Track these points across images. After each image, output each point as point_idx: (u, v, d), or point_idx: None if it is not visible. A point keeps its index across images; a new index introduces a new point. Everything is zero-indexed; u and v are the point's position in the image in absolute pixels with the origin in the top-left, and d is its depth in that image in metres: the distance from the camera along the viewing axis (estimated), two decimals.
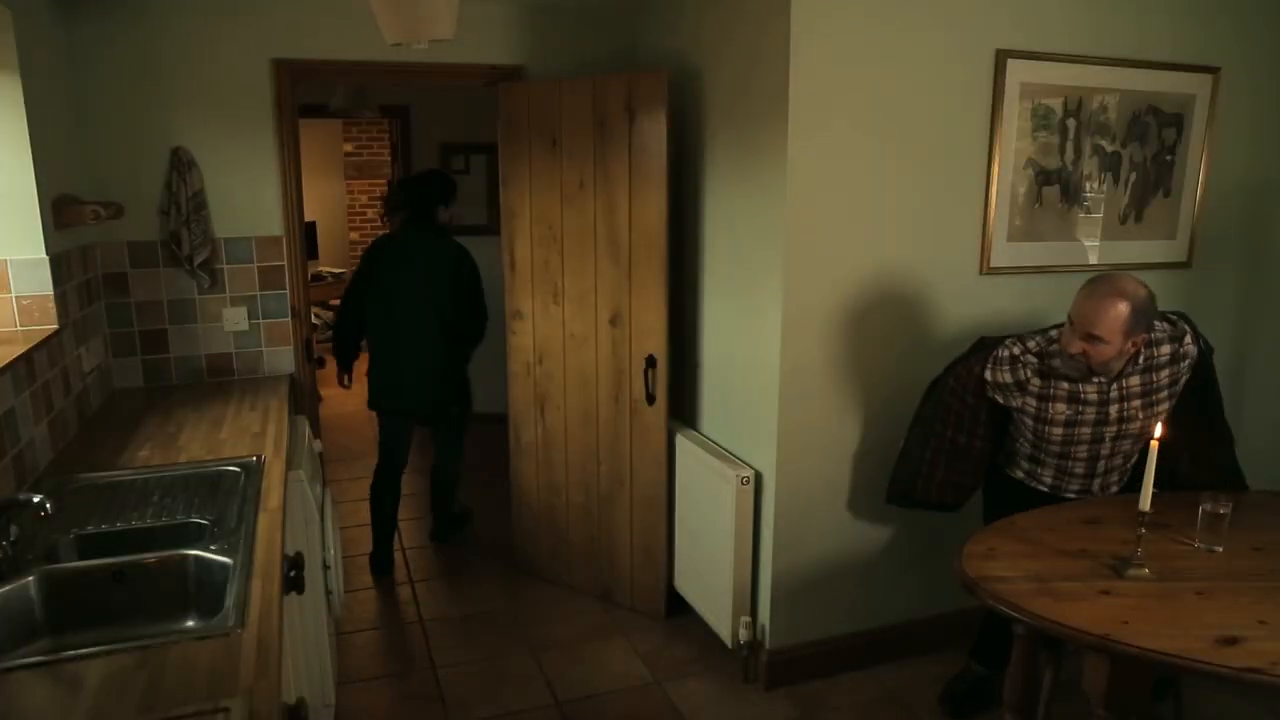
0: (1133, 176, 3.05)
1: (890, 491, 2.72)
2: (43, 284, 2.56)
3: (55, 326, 2.57)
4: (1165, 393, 2.40)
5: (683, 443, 3.23)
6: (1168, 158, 3.09)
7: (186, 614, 1.84)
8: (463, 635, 3.31)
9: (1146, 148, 3.04)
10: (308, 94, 4.81)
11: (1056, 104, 2.87)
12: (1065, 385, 2.36)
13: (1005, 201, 2.87)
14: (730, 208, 2.96)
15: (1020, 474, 2.58)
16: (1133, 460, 2.53)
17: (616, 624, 3.37)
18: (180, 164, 3.16)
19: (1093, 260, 3.05)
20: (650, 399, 3.23)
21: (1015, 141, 2.84)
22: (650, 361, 3.20)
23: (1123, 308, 2.19)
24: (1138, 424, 2.39)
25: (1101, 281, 2.25)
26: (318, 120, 7.46)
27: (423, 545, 4.14)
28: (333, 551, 2.73)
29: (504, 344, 3.67)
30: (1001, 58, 2.74)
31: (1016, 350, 2.42)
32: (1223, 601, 1.92)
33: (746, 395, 2.94)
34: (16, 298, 2.54)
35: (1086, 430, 2.40)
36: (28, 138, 2.47)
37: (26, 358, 2.29)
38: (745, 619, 2.96)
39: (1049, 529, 2.28)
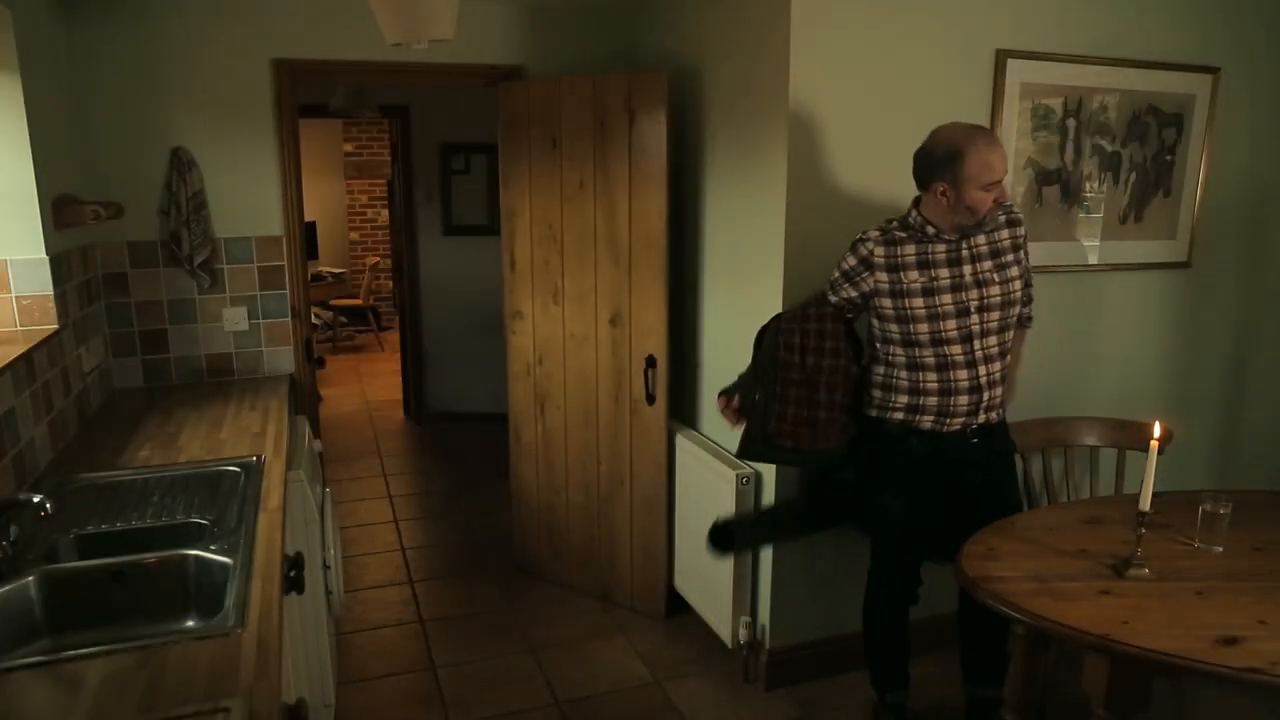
0: (1133, 176, 3.05)
1: (741, 446, 2.56)
2: (43, 284, 2.56)
3: (55, 326, 2.57)
4: (1010, 256, 2.40)
5: (683, 443, 3.23)
6: (1168, 158, 3.09)
7: (186, 614, 1.84)
8: (463, 635, 3.31)
9: (1146, 148, 3.04)
10: (308, 94, 4.81)
11: (1056, 104, 2.87)
12: (911, 250, 2.33)
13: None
14: (730, 207, 2.97)
15: (899, 414, 2.42)
16: (1004, 359, 2.44)
17: (616, 624, 3.38)
18: (180, 164, 3.16)
19: (1093, 260, 3.05)
20: (650, 399, 3.23)
21: (1015, 141, 2.84)
22: (650, 361, 3.20)
23: None
24: (996, 290, 2.35)
25: (980, 129, 2.28)
26: (318, 120, 7.45)
27: (423, 545, 4.14)
28: (333, 551, 2.73)
29: (504, 344, 3.66)
30: (1001, 58, 2.74)
31: (856, 238, 2.41)
32: (1223, 601, 1.92)
33: None
34: (16, 298, 2.54)
35: (948, 300, 2.32)
36: (28, 138, 2.48)
37: (26, 358, 2.29)
38: (745, 619, 2.96)
39: (1049, 529, 2.28)
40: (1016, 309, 2.43)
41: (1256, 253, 3.31)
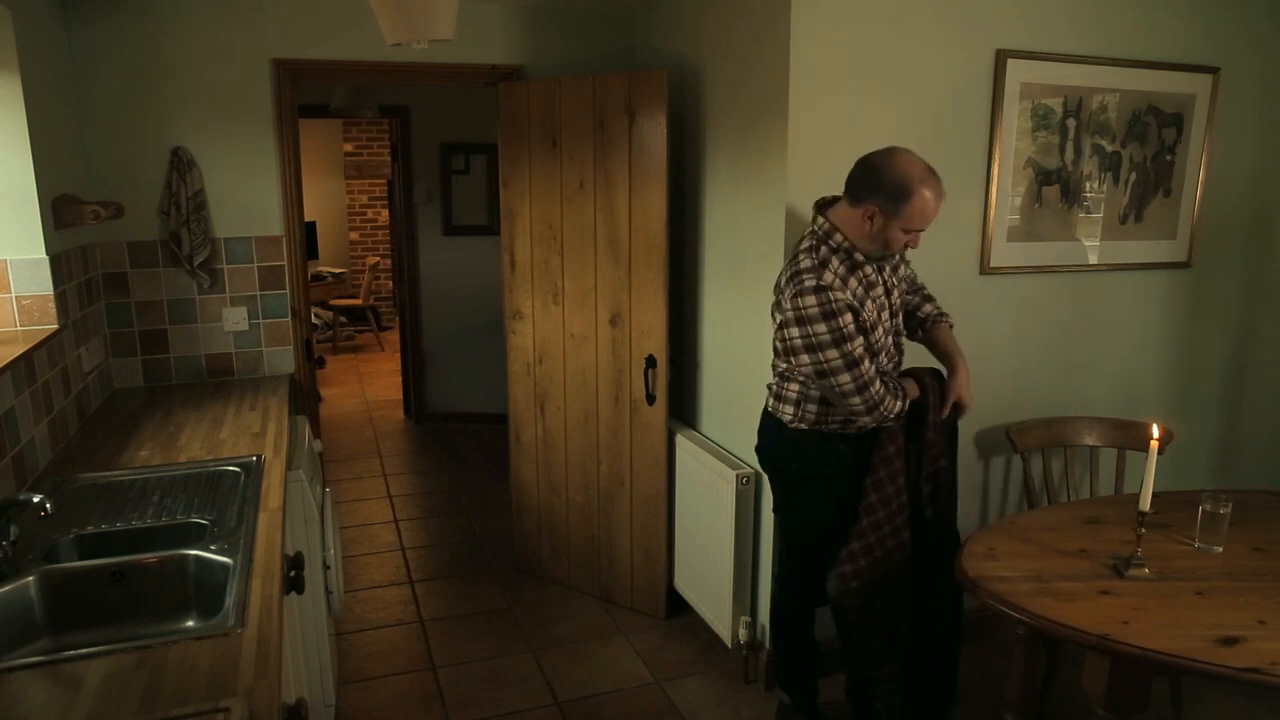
0: (1133, 176, 3.05)
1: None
2: (43, 284, 2.56)
3: (55, 326, 2.57)
4: (906, 285, 2.45)
5: (682, 443, 3.23)
6: (1168, 158, 3.09)
7: (186, 614, 1.84)
8: (463, 635, 3.31)
9: (1146, 148, 3.04)
10: (308, 94, 4.81)
11: (1056, 104, 2.87)
12: (855, 282, 2.22)
13: (1005, 201, 2.87)
14: (730, 207, 2.97)
15: (806, 423, 2.35)
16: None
17: (616, 624, 3.38)
18: (180, 164, 3.16)
19: (1093, 260, 3.05)
20: (650, 399, 3.23)
21: (1015, 141, 2.84)
22: (650, 361, 3.20)
23: None
24: (897, 299, 2.37)
25: (934, 176, 2.15)
26: (318, 120, 7.46)
27: (423, 545, 4.14)
28: (333, 551, 2.73)
29: (504, 344, 3.67)
30: (1001, 58, 2.75)
31: (808, 274, 2.17)
32: (1223, 601, 1.92)
33: (746, 395, 2.94)
34: (16, 298, 2.54)
35: (886, 320, 2.30)
36: (28, 138, 2.47)
37: (26, 358, 2.29)
38: (745, 619, 2.96)
39: (1049, 529, 2.28)
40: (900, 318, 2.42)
41: (1257, 253, 3.31)
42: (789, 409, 2.39)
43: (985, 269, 2.89)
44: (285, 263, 3.39)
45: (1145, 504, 2.00)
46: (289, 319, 3.44)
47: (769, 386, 2.49)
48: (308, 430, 3.08)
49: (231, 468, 2.36)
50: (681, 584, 3.36)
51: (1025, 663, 2.18)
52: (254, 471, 2.32)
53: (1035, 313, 2.98)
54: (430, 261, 5.91)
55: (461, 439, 5.72)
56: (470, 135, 5.73)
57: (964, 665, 3.07)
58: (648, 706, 2.86)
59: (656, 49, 3.48)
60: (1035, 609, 1.89)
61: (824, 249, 2.23)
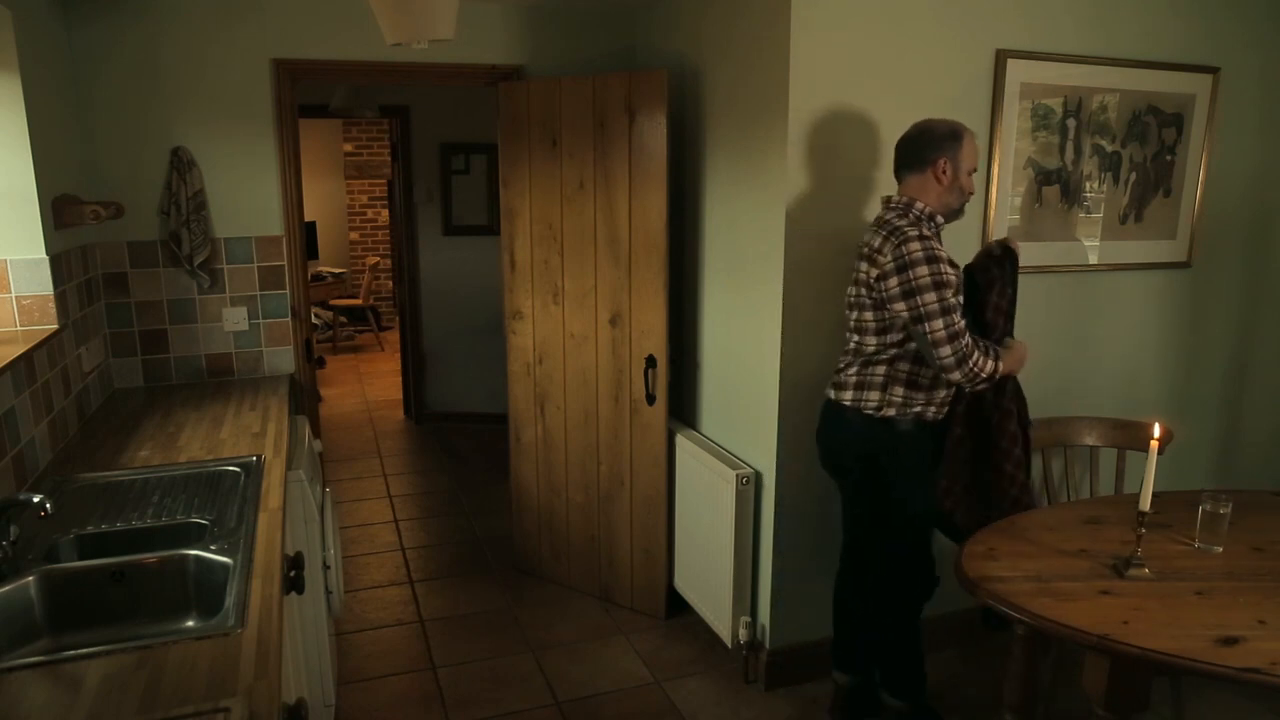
0: (1133, 176, 3.05)
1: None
2: (43, 284, 2.56)
3: (55, 326, 2.57)
4: None
5: (682, 443, 3.23)
6: (1168, 158, 3.09)
7: (186, 614, 1.84)
8: (463, 635, 3.31)
9: (1146, 148, 3.04)
10: (308, 94, 4.81)
11: (1056, 104, 2.87)
12: (942, 245, 2.31)
13: (1005, 201, 2.87)
14: (730, 207, 2.97)
15: (914, 410, 2.40)
16: None
17: (616, 624, 3.38)
18: (180, 164, 3.16)
19: (1093, 260, 3.05)
20: (650, 399, 3.23)
21: (1015, 141, 2.84)
22: (650, 361, 3.20)
23: None
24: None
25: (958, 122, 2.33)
26: (318, 120, 7.46)
27: (423, 545, 4.14)
28: (333, 551, 2.73)
29: (504, 344, 3.67)
30: (1001, 58, 2.75)
31: (909, 227, 2.26)
32: (1223, 601, 1.92)
33: (746, 395, 2.94)
34: (16, 298, 2.54)
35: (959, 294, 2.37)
36: (28, 138, 2.47)
37: (26, 358, 2.29)
38: (745, 619, 2.96)
39: (1049, 529, 2.28)
40: None
41: (1257, 253, 3.31)
42: (874, 395, 2.40)
43: None
44: (285, 263, 3.39)
45: (1145, 504, 2.00)
46: (289, 319, 3.44)
47: (839, 376, 2.48)
48: (308, 430, 3.08)
49: (231, 468, 2.36)
50: (681, 584, 3.36)
51: (1025, 663, 2.18)
52: (254, 471, 2.32)
53: (1035, 313, 2.98)
54: (430, 261, 5.91)
55: (461, 439, 5.72)
56: (470, 135, 5.73)
57: (964, 666, 3.08)
58: (648, 706, 2.86)
59: (656, 49, 3.48)
60: (1035, 609, 1.88)
61: (911, 215, 2.32)
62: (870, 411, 2.41)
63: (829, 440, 2.57)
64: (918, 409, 2.39)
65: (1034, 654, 2.19)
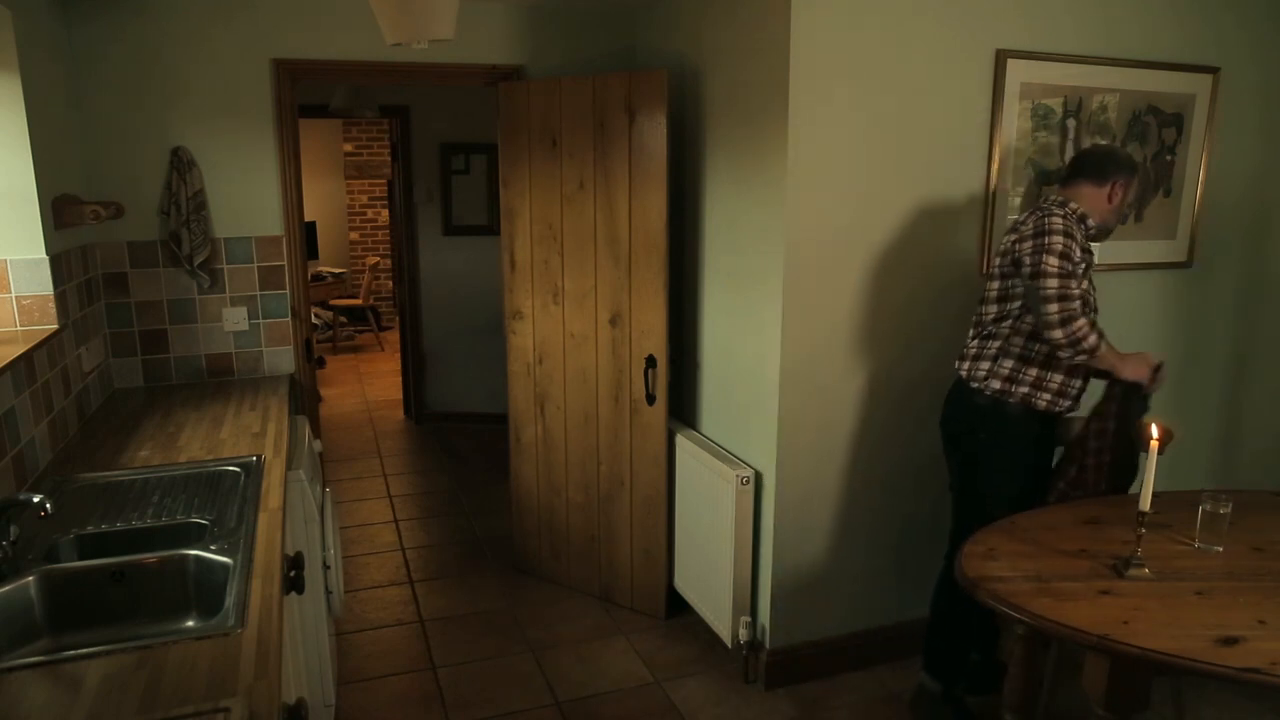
0: None
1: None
2: (43, 284, 2.56)
3: (55, 326, 2.57)
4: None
5: (683, 443, 3.23)
6: (1168, 158, 3.09)
7: (186, 614, 1.84)
8: (463, 635, 3.31)
9: (1146, 148, 3.04)
10: (308, 94, 4.81)
11: (1056, 104, 2.87)
12: (1082, 235, 2.44)
13: (1005, 201, 2.87)
14: (730, 207, 2.97)
15: (1022, 390, 2.48)
16: None
17: (616, 624, 3.38)
18: (180, 164, 3.16)
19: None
20: (650, 399, 3.23)
21: (1015, 141, 2.84)
22: (650, 361, 3.20)
23: None
24: (1094, 298, 2.55)
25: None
26: (318, 120, 7.46)
27: (423, 545, 4.14)
28: (333, 551, 2.73)
29: (504, 344, 3.67)
30: (1001, 58, 2.74)
31: (1057, 209, 2.41)
32: (1223, 601, 1.92)
33: (746, 395, 2.94)
34: (16, 298, 2.54)
35: (1086, 288, 2.45)
36: (28, 138, 2.47)
37: (26, 358, 2.29)
38: (745, 619, 2.96)
39: (1049, 529, 2.28)
40: None
41: (1257, 252, 3.31)
42: (984, 365, 2.50)
43: (986, 269, 2.89)
44: (285, 263, 3.39)
45: (1145, 504, 2.00)
46: (289, 319, 3.44)
47: (963, 350, 2.60)
48: (308, 430, 3.08)
49: (231, 468, 2.36)
50: (681, 584, 3.36)
51: (1025, 663, 2.18)
52: (254, 471, 2.33)
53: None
54: (430, 261, 5.91)
55: (461, 439, 5.72)
56: (470, 135, 5.73)
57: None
58: (648, 706, 2.86)
59: (656, 49, 3.48)
60: (1035, 609, 1.88)
61: (1066, 209, 2.42)
62: (978, 384, 2.50)
63: (946, 409, 2.66)
64: (1025, 390, 2.46)
65: (1034, 654, 2.19)
